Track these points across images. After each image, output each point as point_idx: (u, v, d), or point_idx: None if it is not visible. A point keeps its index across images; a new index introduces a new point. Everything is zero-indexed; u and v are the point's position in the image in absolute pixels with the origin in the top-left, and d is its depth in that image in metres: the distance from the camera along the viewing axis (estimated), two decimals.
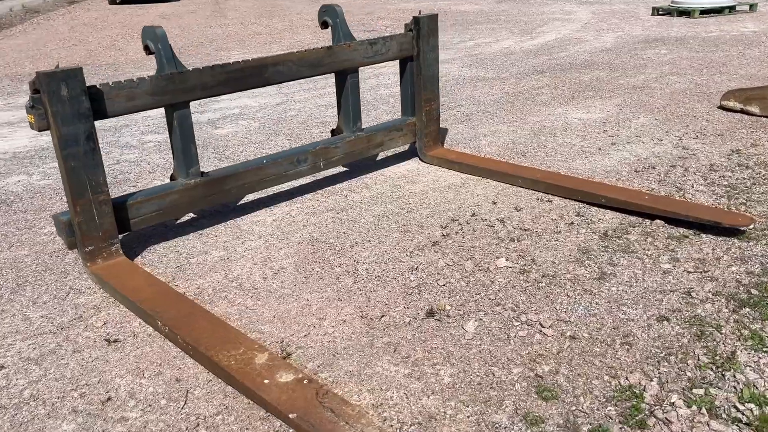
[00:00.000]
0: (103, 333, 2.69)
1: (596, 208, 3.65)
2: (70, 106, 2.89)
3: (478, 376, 2.30)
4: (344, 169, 4.51)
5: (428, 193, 4.01)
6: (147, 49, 3.34)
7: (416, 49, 4.28)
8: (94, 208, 3.06)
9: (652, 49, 8.17)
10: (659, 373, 2.28)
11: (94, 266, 3.10)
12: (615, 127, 5.12)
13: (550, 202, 3.78)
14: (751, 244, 3.17)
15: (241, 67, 3.50)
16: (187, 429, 2.12)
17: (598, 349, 2.42)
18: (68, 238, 3.11)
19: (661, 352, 2.39)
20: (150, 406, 2.24)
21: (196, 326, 2.54)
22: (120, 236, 3.26)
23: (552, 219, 3.55)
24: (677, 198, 3.71)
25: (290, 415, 2.03)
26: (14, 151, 5.33)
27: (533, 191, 3.93)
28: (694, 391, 2.19)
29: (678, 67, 7.09)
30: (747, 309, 2.64)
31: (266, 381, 2.20)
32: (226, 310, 2.82)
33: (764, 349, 2.39)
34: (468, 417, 2.10)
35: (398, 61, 4.39)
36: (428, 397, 2.20)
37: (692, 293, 2.76)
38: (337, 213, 3.77)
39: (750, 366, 2.31)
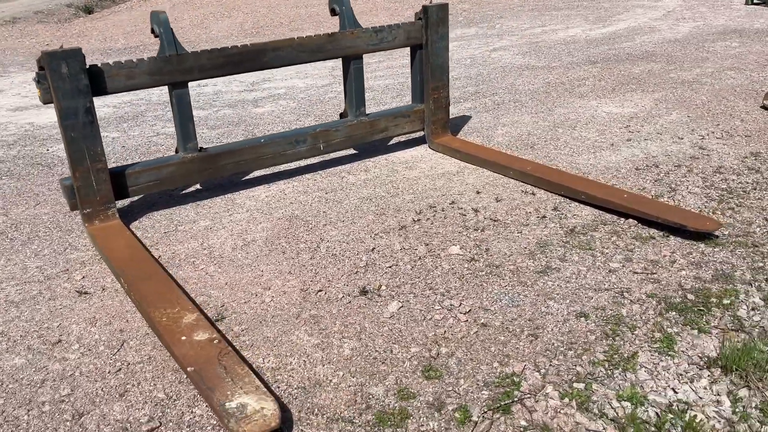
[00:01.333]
0: (79, 285, 3.05)
1: (576, 204, 3.66)
2: (69, 83, 3.24)
3: (377, 351, 2.46)
4: (354, 151, 4.70)
5: (421, 179, 4.14)
6: (153, 32, 3.66)
7: (425, 38, 4.38)
8: (92, 175, 3.43)
9: (723, 42, 7.76)
10: (549, 365, 2.35)
11: (91, 227, 3.47)
12: (640, 123, 5.00)
13: (534, 195, 3.81)
14: (716, 249, 3.11)
15: (239, 51, 3.75)
16: (109, 372, 2.42)
17: (502, 338, 2.52)
18: (70, 200, 3.50)
19: (562, 346, 2.45)
20: (89, 350, 2.56)
21: (149, 286, 2.84)
22: (118, 202, 3.62)
23: (527, 212, 3.60)
24: (658, 199, 3.65)
25: (188, 368, 2.28)
26: None
27: (522, 183, 3.97)
28: (575, 385, 2.25)
29: (741, 62, 6.73)
30: (673, 313, 2.63)
31: (183, 338, 2.45)
32: (188, 274, 3.11)
33: (669, 353, 2.40)
34: (349, 386, 2.27)
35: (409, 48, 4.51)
36: (323, 365, 2.39)
37: (626, 293, 2.78)
38: (326, 193, 3.98)
39: (646, 367, 2.33)
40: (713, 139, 4.59)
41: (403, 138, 4.90)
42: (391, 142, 4.86)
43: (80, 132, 3.34)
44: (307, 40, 3.97)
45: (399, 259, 3.14)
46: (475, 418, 2.10)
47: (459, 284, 2.90)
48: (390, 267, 3.07)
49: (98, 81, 3.38)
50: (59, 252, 3.39)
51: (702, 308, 2.66)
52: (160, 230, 3.59)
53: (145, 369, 2.43)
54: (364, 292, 2.87)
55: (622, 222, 3.42)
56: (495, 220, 3.51)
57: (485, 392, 2.23)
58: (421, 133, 4.80)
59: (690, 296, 2.74)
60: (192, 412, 2.19)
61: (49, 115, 6.06)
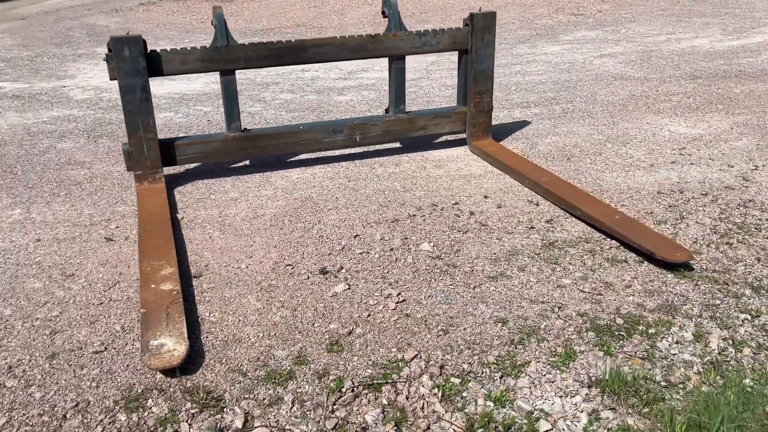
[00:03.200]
0: (110, 233, 3.67)
1: (573, 219, 3.73)
2: (130, 64, 3.86)
3: (301, 322, 2.81)
4: (399, 145, 5.00)
5: (441, 178, 4.37)
6: (212, 24, 4.20)
7: (470, 44, 4.57)
8: (144, 143, 4.05)
9: None
10: (442, 359, 2.57)
11: (140, 186, 4.11)
12: (699, 146, 4.84)
13: (537, 205, 3.92)
14: (681, 281, 3.10)
15: (282, 45, 4.20)
16: (93, 304, 2.98)
17: (416, 329, 2.76)
18: (127, 162, 4.15)
19: (463, 345, 2.65)
20: (89, 285, 3.15)
21: (153, 241, 3.39)
22: (175, 167, 4.24)
23: (519, 221, 3.74)
24: (659, 226, 3.62)
25: (142, 310, 2.77)
26: (184, 93, 6.70)
27: (533, 193, 4.08)
28: (452, 379, 2.46)
29: None
30: (592, 333, 2.73)
31: (153, 286, 2.96)
32: (195, 236, 3.62)
33: (561, 367, 2.53)
34: (261, 346, 2.65)
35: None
36: (252, 326, 2.79)
37: (558, 309, 2.89)
38: (349, 181, 4.34)
39: (530, 375, 2.49)
40: (766, 171, 4.37)
41: (450, 137, 5.12)
42: (437, 140, 5.10)
43: (137, 106, 3.96)
44: (350, 39, 4.32)
45: (373, 248, 3.45)
46: (344, 389, 2.40)
47: (410, 277, 3.16)
48: (361, 253, 3.39)
49: (155, 64, 3.97)
50: (111, 204, 4.05)
51: (623, 333, 2.72)
52: (195, 196, 4.15)
53: (120, 306, 2.96)
54: (324, 272, 3.21)
55: (605, 242, 3.47)
56: (484, 225, 3.69)
57: (369, 371, 2.51)
58: (463, 134, 5.00)
59: (619, 320, 2.80)
60: (133, 344, 2.68)
61: (166, 88, 6.92)
